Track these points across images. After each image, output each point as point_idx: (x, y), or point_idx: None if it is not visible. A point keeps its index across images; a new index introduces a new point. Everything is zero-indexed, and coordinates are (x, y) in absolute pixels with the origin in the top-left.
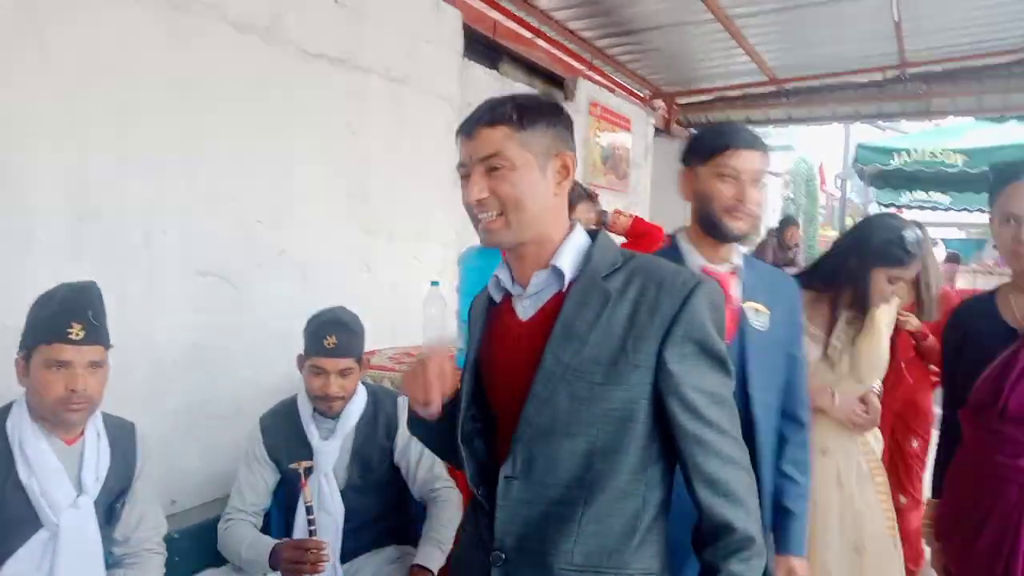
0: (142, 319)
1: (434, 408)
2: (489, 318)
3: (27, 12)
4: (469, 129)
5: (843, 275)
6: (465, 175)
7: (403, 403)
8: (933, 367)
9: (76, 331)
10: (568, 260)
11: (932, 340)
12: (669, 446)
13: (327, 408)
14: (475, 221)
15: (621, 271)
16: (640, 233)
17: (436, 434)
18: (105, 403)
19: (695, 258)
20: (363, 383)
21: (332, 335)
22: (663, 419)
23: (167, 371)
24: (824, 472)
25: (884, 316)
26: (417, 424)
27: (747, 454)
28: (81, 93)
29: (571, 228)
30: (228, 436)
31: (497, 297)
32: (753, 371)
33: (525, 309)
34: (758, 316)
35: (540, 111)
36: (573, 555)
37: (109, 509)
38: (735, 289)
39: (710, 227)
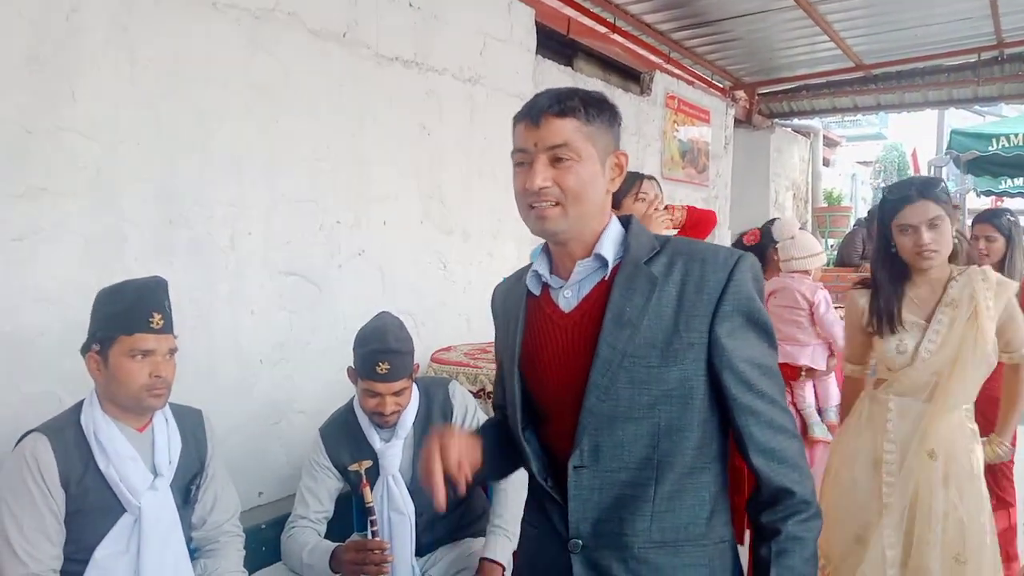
0: (229, 318)
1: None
2: (528, 312)
3: (118, 27)
4: (535, 117)
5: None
6: (525, 162)
7: (454, 387)
8: None
9: (157, 320)
10: (609, 248)
11: None
12: (723, 418)
13: (383, 422)
14: (526, 209)
15: (662, 254)
16: (695, 222)
17: (489, 472)
18: (195, 399)
19: None
20: (414, 381)
21: (384, 362)
22: (717, 392)
23: (253, 368)
24: (932, 473)
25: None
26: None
27: (794, 421)
28: (167, 101)
29: (608, 219)
30: (312, 431)
31: (536, 290)
32: None
33: (567, 300)
34: None
35: (603, 108)
36: (651, 533)
37: (185, 491)
38: None
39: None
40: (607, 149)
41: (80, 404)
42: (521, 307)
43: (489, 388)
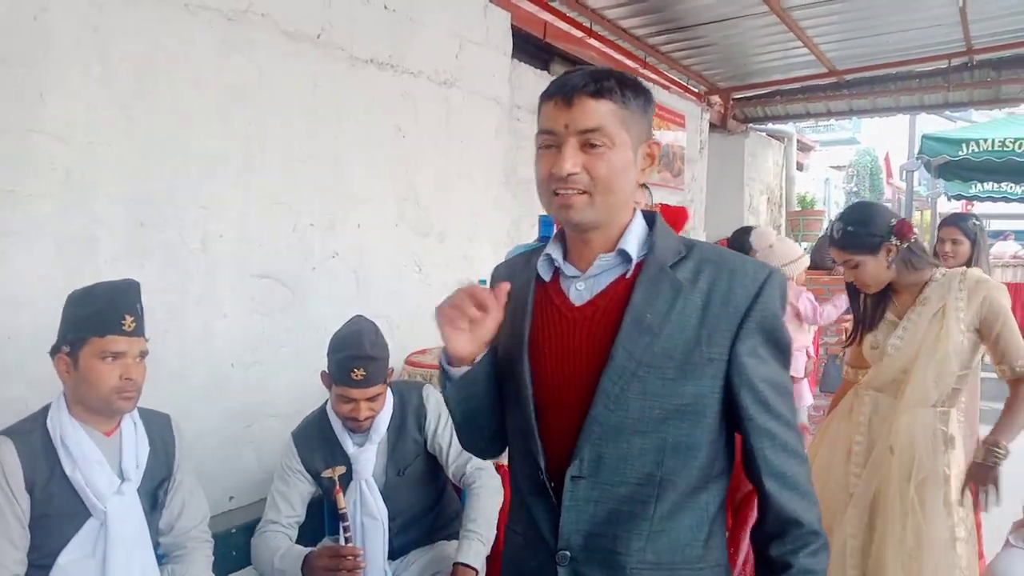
0: (201, 321)
1: (483, 338)
2: (535, 299)
3: (88, 27)
4: (568, 96)
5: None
6: (553, 144)
7: (428, 392)
8: None
9: (128, 323)
10: (634, 245)
11: None
12: (729, 437)
13: (357, 428)
14: (549, 195)
15: (688, 259)
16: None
17: (472, 384)
18: (166, 403)
19: None
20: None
21: (359, 368)
22: (731, 412)
23: (225, 372)
24: (890, 469)
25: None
26: (449, 380)
27: (803, 442)
28: (139, 102)
29: (633, 212)
30: (284, 434)
31: (547, 276)
32: None
33: (579, 293)
34: None
35: (639, 91)
36: (646, 553)
37: (152, 496)
38: None
39: None
40: (640, 137)
41: (47, 407)
42: (530, 293)
43: None
